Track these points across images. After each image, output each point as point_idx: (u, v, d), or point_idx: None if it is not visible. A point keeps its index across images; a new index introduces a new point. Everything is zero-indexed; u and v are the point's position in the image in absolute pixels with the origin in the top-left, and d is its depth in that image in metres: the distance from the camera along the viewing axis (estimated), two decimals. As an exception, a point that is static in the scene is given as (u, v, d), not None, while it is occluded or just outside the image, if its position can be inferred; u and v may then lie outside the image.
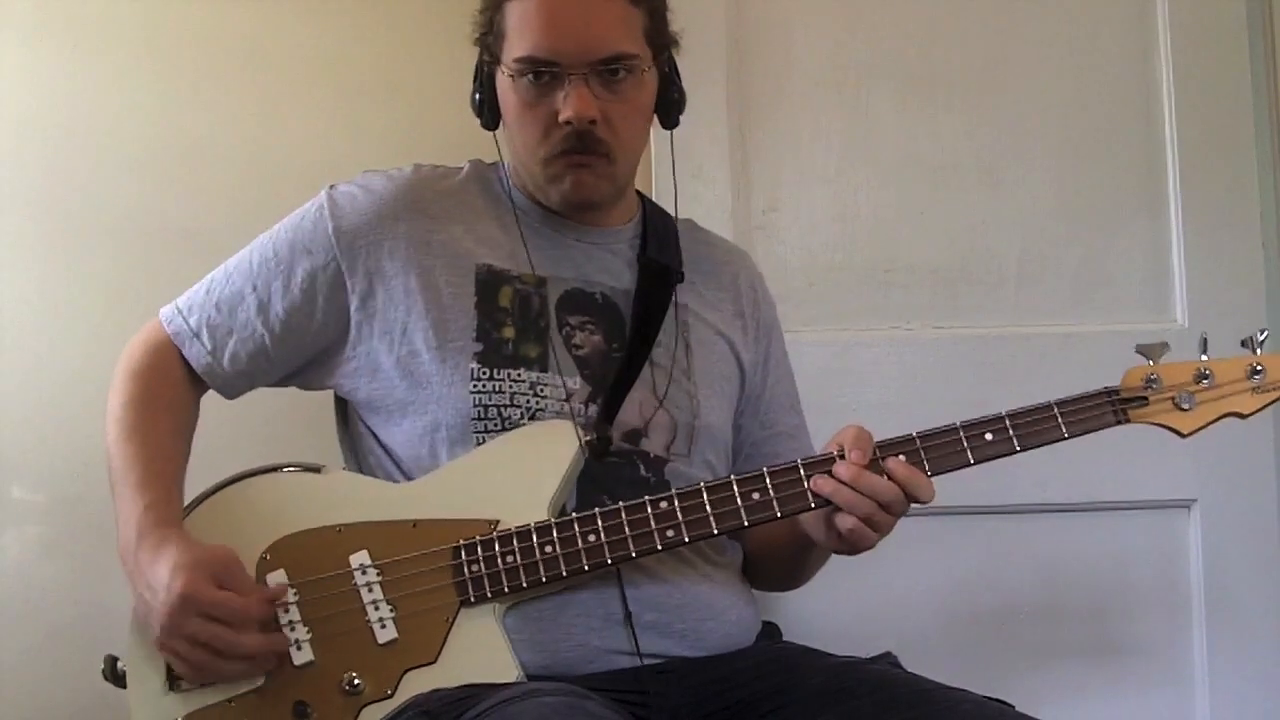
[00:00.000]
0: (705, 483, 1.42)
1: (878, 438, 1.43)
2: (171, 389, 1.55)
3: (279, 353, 1.56)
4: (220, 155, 2.08)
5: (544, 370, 1.51)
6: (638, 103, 1.53)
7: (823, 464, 1.41)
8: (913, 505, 1.41)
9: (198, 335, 1.56)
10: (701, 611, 1.49)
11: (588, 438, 1.47)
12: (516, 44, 1.49)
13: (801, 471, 1.41)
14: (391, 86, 2.11)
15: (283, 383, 1.61)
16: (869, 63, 2.19)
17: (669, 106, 1.60)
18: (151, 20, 2.09)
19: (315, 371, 1.58)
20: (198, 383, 1.58)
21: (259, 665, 1.38)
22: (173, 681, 1.41)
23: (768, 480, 1.41)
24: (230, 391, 1.59)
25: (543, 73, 1.48)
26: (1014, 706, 1.37)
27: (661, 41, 1.55)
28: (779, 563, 1.65)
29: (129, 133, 2.08)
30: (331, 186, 1.59)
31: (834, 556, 1.56)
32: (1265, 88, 2.17)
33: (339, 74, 2.12)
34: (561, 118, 1.48)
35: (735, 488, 1.41)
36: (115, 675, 1.45)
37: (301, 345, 1.56)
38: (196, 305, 1.57)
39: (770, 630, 1.63)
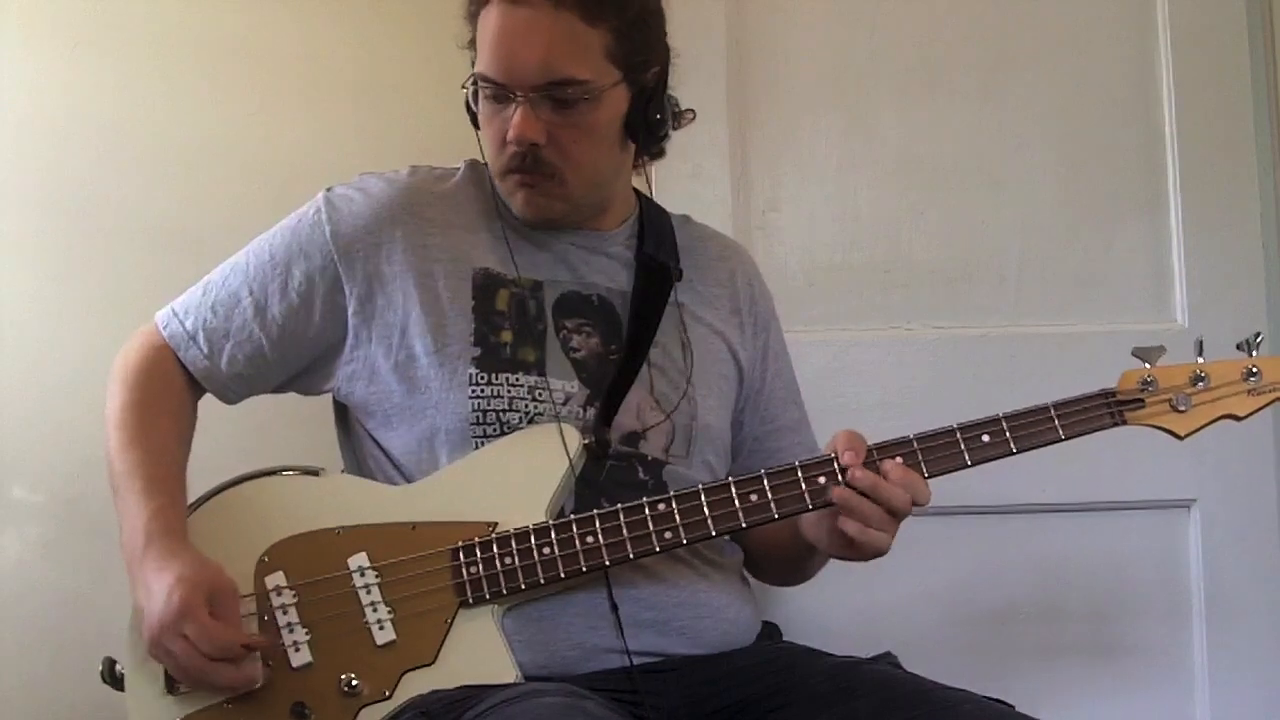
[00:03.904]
0: (703, 485, 1.42)
1: (877, 437, 1.43)
2: (170, 393, 1.55)
3: (277, 356, 1.55)
4: (218, 155, 2.09)
5: (542, 374, 1.51)
6: (590, 126, 1.48)
7: (821, 466, 1.41)
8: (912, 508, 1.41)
9: (194, 338, 1.55)
10: (699, 609, 1.49)
11: (586, 441, 1.47)
12: (479, 59, 1.49)
13: (800, 474, 1.41)
14: (389, 88, 2.11)
15: (282, 388, 1.60)
16: (869, 63, 2.19)
17: (643, 126, 1.53)
18: (150, 21, 2.09)
19: (314, 376, 1.58)
20: (195, 386, 1.57)
21: (231, 691, 1.38)
22: (170, 684, 1.41)
23: (765, 482, 1.41)
24: (229, 395, 1.58)
25: (496, 93, 1.47)
26: (1014, 707, 1.37)
27: (635, 60, 1.50)
28: (782, 562, 1.66)
29: (128, 133, 2.08)
30: (329, 189, 1.59)
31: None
32: (1265, 88, 2.17)
33: (337, 75, 2.12)
34: (506, 138, 1.47)
35: (733, 489, 1.41)
36: (113, 677, 1.45)
37: (300, 349, 1.55)
38: (193, 308, 1.57)
39: (770, 630, 1.63)
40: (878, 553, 1.42)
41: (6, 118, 2.08)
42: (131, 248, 2.07)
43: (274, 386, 1.60)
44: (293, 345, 1.55)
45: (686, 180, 2.11)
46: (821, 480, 1.41)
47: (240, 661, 1.36)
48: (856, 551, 1.42)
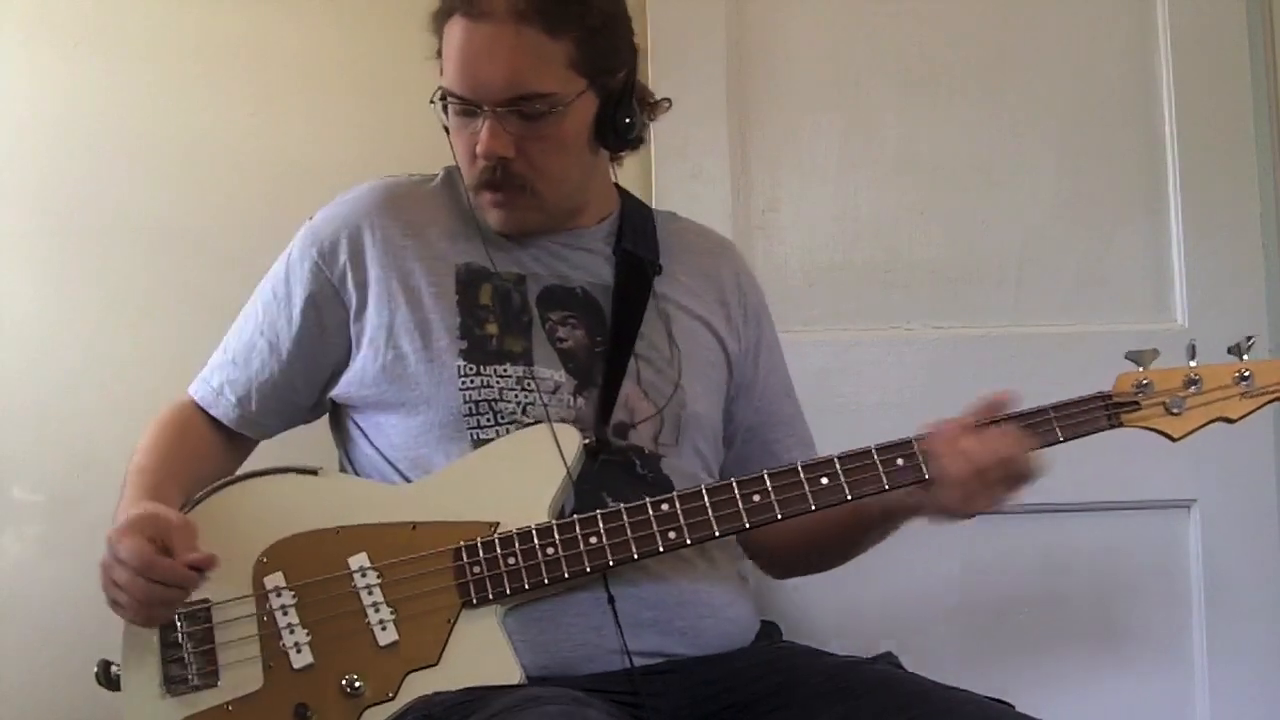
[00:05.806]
0: (706, 485, 1.42)
1: (877, 437, 1.43)
2: (196, 443, 1.59)
3: (301, 381, 1.58)
4: (217, 156, 2.08)
5: (530, 364, 1.51)
6: (559, 137, 1.48)
7: (822, 466, 1.42)
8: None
9: (221, 393, 1.59)
10: (700, 609, 1.49)
11: (586, 440, 1.48)
12: (445, 74, 1.49)
13: (801, 474, 1.41)
14: (388, 88, 2.10)
15: (318, 408, 1.62)
16: (869, 63, 2.18)
17: (611, 131, 1.53)
18: (149, 21, 2.09)
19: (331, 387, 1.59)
20: (232, 441, 1.61)
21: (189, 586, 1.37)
22: (169, 685, 1.41)
23: (768, 482, 1.41)
24: (268, 432, 1.62)
25: (463, 107, 1.47)
26: (1015, 707, 1.38)
27: (600, 66, 1.49)
28: (831, 545, 1.62)
29: (127, 133, 2.08)
30: (310, 217, 1.61)
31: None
32: (1265, 88, 2.17)
33: (336, 75, 2.11)
34: (476, 152, 1.47)
35: (736, 490, 1.41)
36: (109, 679, 1.45)
37: (317, 364, 1.57)
38: (216, 367, 1.61)
39: (770, 630, 1.63)
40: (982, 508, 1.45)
41: (6, 118, 2.08)
42: (130, 248, 2.06)
43: (310, 407, 1.61)
44: (309, 364, 1.57)
45: (686, 180, 2.11)
46: (824, 480, 1.41)
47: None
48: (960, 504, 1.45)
